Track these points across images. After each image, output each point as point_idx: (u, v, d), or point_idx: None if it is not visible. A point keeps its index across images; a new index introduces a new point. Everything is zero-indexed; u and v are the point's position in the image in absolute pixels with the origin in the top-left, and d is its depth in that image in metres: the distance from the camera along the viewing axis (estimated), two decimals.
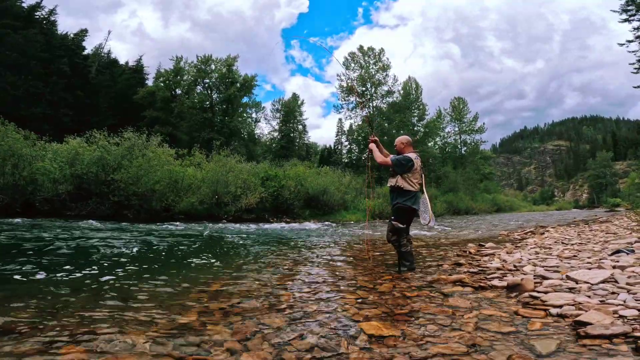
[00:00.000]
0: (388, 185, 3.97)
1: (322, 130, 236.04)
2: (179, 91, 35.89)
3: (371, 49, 38.69)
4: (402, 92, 39.17)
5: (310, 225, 13.83)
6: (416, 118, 40.50)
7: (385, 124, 37.22)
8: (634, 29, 23.68)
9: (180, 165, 16.95)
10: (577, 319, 1.85)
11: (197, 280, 3.42)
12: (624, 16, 23.92)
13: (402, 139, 4.18)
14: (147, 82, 37.60)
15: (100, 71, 35.11)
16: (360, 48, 38.86)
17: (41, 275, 3.38)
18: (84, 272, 3.69)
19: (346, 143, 42.66)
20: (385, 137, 36.88)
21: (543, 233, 8.13)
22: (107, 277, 3.44)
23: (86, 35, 36.05)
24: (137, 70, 38.21)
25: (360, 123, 38.50)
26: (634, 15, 23.55)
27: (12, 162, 13.61)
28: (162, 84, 34.55)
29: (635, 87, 24.55)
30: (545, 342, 1.65)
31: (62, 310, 2.34)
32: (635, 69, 24.00)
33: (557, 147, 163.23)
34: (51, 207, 13.60)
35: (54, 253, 4.89)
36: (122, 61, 40.82)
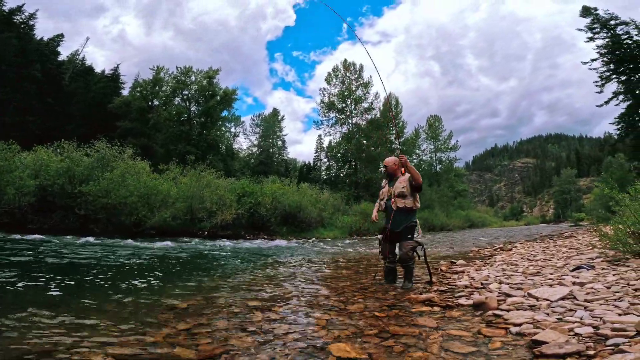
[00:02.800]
0: (399, 205, 4.01)
1: (302, 145, 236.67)
2: (156, 102, 35.12)
3: (353, 64, 39.58)
4: (381, 108, 40.16)
5: (287, 242, 13.69)
6: (394, 135, 41.51)
7: (364, 141, 37.87)
8: (597, 47, 24.42)
9: (154, 179, 16.46)
10: (534, 337, 1.90)
11: (164, 299, 3.31)
12: (590, 34, 24.56)
13: (395, 160, 4.29)
14: (123, 91, 36.63)
15: (75, 78, 33.93)
16: (344, 62, 39.63)
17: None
18: (38, 288, 3.50)
19: (325, 160, 42.95)
20: (364, 154, 37.56)
21: (511, 249, 8.43)
22: (64, 295, 3.28)
23: (62, 40, 34.93)
24: (114, 79, 37.12)
25: (339, 140, 38.94)
26: (598, 33, 24.33)
27: None
28: (138, 94, 33.76)
29: (598, 106, 25.19)
30: None
31: (9, 332, 2.19)
32: (598, 87, 24.70)
33: (525, 164, 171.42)
34: (12, 219, 12.80)
35: (5, 270, 4.56)
36: (99, 68, 39.63)
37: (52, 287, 3.81)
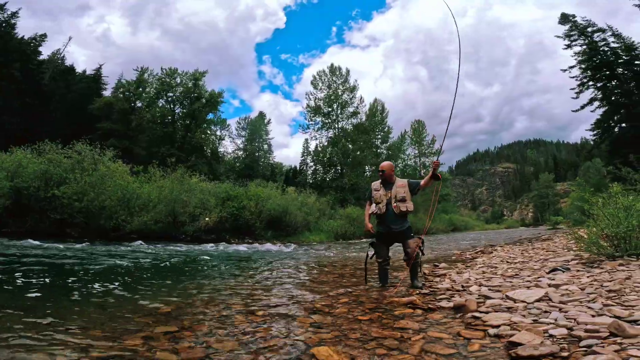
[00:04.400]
0: (401, 209, 4.12)
1: (289, 149, 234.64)
2: (139, 103, 34.40)
3: (339, 68, 39.86)
4: (367, 113, 40.52)
5: (272, 246, 13.59)
6: (380, 140, 41.98)
7: (349, 145, 38.11)
8: (575, 53, 24.91)
9: (135, 182, 16.09)
10: (511, 339, 1.95)
11: (144, 303, 3.25)
12: (567, 41, 25.05)
13: (391, 164, 4.46)
14: (105, 92, 35.74)
15: (55, 78, 32.89)
16: (331, 67, 39.86)
17: None
18: (14, 292, 3.39)
19: (311, 164, 42.94)
20: (350, 159, 37.78)
21: (491, 252, 8.64)
22: (41, 299, 3.20)
23: (44, 40, 33.87)
24: (95, 79, 36.21)
25: (325, 144, 39.07)
26: (576, 40, 24.84)
27: None
28: (121, 95, 33.00)
29: (574, 111, 25.96)
30: None
31: None
32: (575, 93, 25.26)
33: (506, 169, 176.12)
34: None
35: None
36: (81, 68, 38.70)
37: (28, 290, 3.67)
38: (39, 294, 3.50)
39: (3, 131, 23.76)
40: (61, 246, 9.76)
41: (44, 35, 33.95)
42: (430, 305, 3.06)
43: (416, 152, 48.33)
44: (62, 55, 37.24)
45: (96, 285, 4.09)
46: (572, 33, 25.00)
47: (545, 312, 2.50)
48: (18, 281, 4.17)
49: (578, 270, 4.14)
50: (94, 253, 8.36)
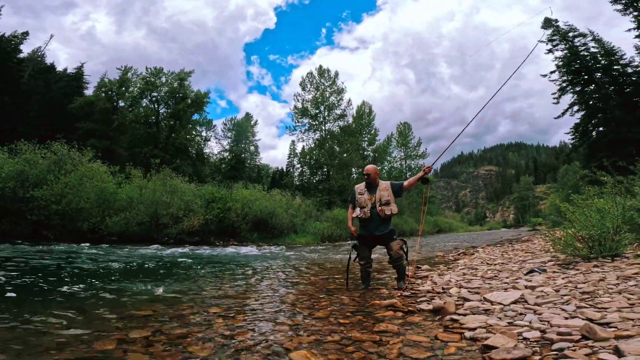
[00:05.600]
0: (386, 213, 4.12)
1: (277, 151, 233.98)
2: (122, 103, 33.62)
3: (327, 70, 39.96)
4: (355, 115, 40.75)
5: (257, 248, 13.47)
6: (366, 142, 42.28)
7: (336, 147, 38.23)
8: (556, 58, 25.15)
9: (114, 183, 15.69)
10: (485, 342, 1.97)
11: (119, 306, 3.18)
12: (549, 46, 25.15)
13: (376, 168, 4.44)
14: (86, 91, 34.75)
15: (34, 76, 31.79)
16: (319, 68, 39.91)
17: None
18: None
19: (298, 165, 42.86)
20: (337, 161, 37.89)
21: (473, 254, 8.79)
22: (14, 301, 3.12)
23: (26, 38, 32.69)
24: (76, 78, 35.12)
25: (312, 146, 39.08)
26: (557, 45, 25.02)
27: None
28: (103, 94, 32.16)
29: (555, 118, 26.15)
30: None
31: None
32: (555, 99, 25.56)
33: (488, 172, 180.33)
34: None
35: None
36: (62, 66, 37.54)
37: (4, 291, 3.53)
38: (13, 295, 3.46)
39: None
40: (38, 248, 9.42)
41: (26, 33, 32.83)
42: (410, 308, 3.08)
43: (402, 154, 48.86)
44: (42, 53, 36.07)
45: (72, 288, 3.98)
46: (554, 37, 25.24)
47: (521, 314, 2.52)
48: None
49: (554, 272, 4.22)
50: (70, 255, 8.09)
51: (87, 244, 11.66)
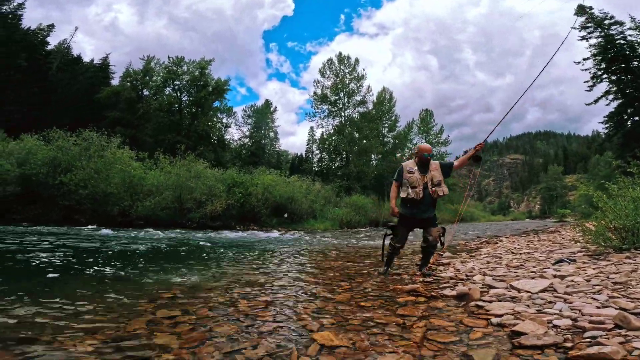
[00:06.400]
0: (439, 194, 3.99)
1: (296, 137, 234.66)
2: (146, 92, 34.54)
3: (347, 57, 39.41)
4: (375, 102, 40.16)
5: (277, 234, 13.69)
6: (387, 129, 41.64)
7: (356, 134, 37.90)
8: (590, 46, 24.43)
9: (141, 169, 16.24)
10: (514, 328, 1.94)
11: (147, 289, 3.30)
12: (583, 33, 24.46)
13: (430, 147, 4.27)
14: (112, 81, 35.93)
15: (62, 68, 33.04)
16: (339, 55, 39.44)
17: None
18: (20, 279, 3.50)
19: (317, 151, 42.86)
20: (356, 147, 37.59)
21: (496, 243, 8.59)
22: (46, 285, 3.26)
23: (52, 31, 33.95)
24: (103, 69, 36.38)
25: (331, 132, 38.87)
26: (592, 32, 24.30)
27: None
28: (128, 84, 33.14)
29: (587, 104, 25.55)
30: (482, 352, 1.72)
31: None
32: (588, 86, 24.87)
33: (514, 160, 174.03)
34: None
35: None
36: (89, 58, 38.86)
37: (34, 276, 3.76)
38: (45, 279, 3.65)
39: (11, 121, 24.00)
40: (70, 232, 9.95)
41: (52, 26, 34.08)
42: (433, 293, 3.05)
43: (423, 141, 47.81)
44: (68, 45, 37.30)
45: (100, 271, 4.18)
46: (588, 25, 24.33)
47: (550, 302, 2.47)
48: (33, 264, 4.39)
49: (584, 262, 4.08)
50: (102, 239, 8.51)
51: (117, 229, 12.20)
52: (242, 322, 2.32)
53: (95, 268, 4.31)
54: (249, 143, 45.16)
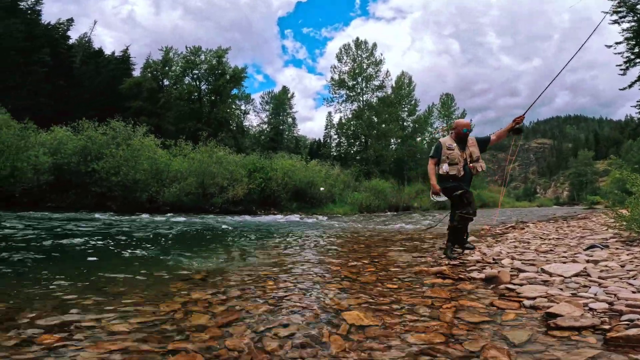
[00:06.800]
0: (478, 170, 4.00)
1: (313, 122, 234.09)
2: (166, 82, 35.24)
3: (365, 42, 38.60)
4: (394, 86, 39.34)
5: (298, 218, 13.86)
6: (406, 113, 40.83)
7: (374, 118, 37.39)
8: (623, 30, 23.67)
9: (166, 156, 16.72)
10: (549, 310, 1.91)
11: (178, 271, 3.43)
12: (615, 17, 23.63)
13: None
14: (133, 72, 36.81)
15: (85, 61, 34.07)
16: (356, 40, 38.70)
17: (22, 268, 3.32)
18: (61, 263, 3.69)
19: (335, 136, 42.64)
20: (375, 131, 37.11)
21: (523, 228, 8.37)
22: (86, 268, 3.43)
23: (72, 24, 34.91)
24: (124, 61, 37.32)
25: (349, 116, 38.48)
26: (625, 17, 23.50)
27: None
28: (149, 75, 33.88)
29: (621, 90, 24.75)
30: (517, 333, 1.72)
31: (39, 301, 2.32)
32: (621, 70, 24.18)
33: (541, 145, 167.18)
34: (30, 198, 13.24)
35: (32, 246, 4.81)
36: (109, 50, 40.04)
37: (76, 260, 3.99)
38: (94, 259, 3.91)
39: (39, 114, 25.06)
40: (103, 217, 10.44)
41: (71, 20, 34.99)
42: (460, 276, 3.04)
43: (444, 125, 46.56)
44: (89, 38, 38.28)
45: (132, 255, 4.37)
46: (620, 9, 23.34)
47: (584, 286, 2.43)
48: (74, 249, 4.66)
49: (617, 248, 3.95)
50: (131, 224, 8.89)
51: (147, 214, 12.67)
52: (271, 302, 2.38)
53: (130, 251, 4.52)
54: (267, 129, 45.51)
